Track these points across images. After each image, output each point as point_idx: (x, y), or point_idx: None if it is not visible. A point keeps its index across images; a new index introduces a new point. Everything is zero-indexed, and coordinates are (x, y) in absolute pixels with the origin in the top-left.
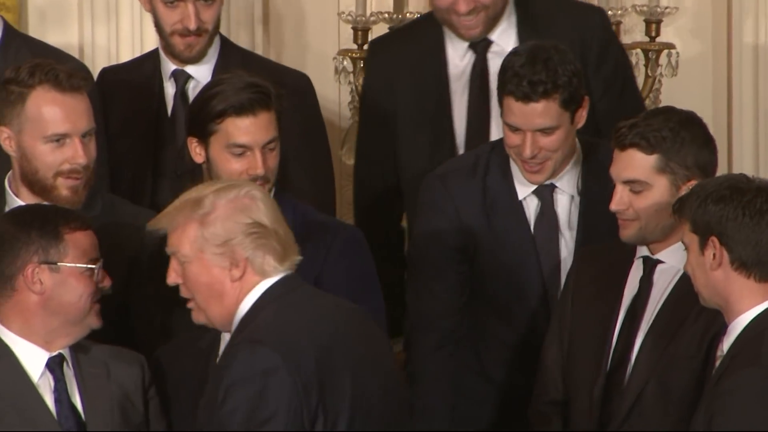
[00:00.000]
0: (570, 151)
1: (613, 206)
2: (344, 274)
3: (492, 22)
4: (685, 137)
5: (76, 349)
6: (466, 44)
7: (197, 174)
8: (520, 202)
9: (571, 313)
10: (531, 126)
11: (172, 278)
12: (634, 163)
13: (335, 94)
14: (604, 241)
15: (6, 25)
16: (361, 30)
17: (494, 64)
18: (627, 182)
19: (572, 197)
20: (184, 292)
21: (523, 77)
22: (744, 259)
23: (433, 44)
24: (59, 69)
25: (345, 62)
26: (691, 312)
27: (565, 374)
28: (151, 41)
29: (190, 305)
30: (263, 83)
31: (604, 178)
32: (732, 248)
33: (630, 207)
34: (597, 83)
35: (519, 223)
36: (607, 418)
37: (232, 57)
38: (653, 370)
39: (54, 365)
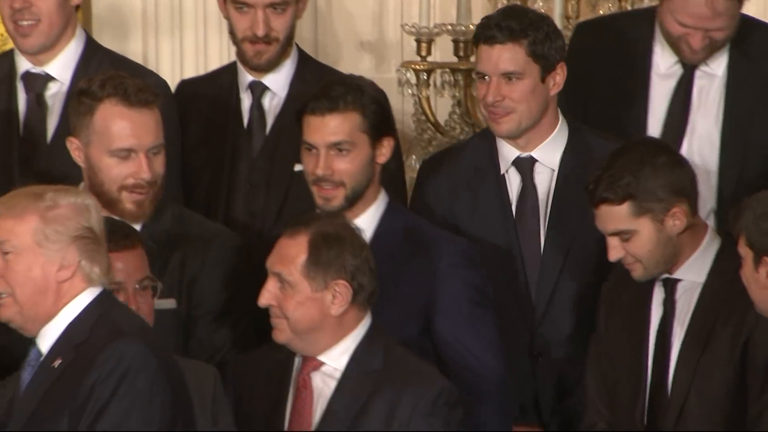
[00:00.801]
0: (545, 117)
1: (612, 258)
2: (454, 288)
3: (715, 53)
4: (647, 173)
5: None
6: (675, 56)
7: (271, 185)
8: (503, 176)
9: (607, 344)
10: (495, 70)
11: None
12: (612, 217)
13: (399, 106)
14: (576, 217)
15: (88, 38)
16: (424, 42)
17: (699, 83)
18: (613, 234)
19: (553, 171)
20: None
21: (492, 20)
22: None
23: (642, 41)
24: (129, 83)
25: (408, 74)
26: (717, 321)
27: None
28: (215, 55)
29: (3, 301)
30: (340, 87)
31: (586, 157)
32: None
33: (627, 254)
34: None
35: (500, 198)
36: None
37: (308, 69)
38: (692, 382)
39: None
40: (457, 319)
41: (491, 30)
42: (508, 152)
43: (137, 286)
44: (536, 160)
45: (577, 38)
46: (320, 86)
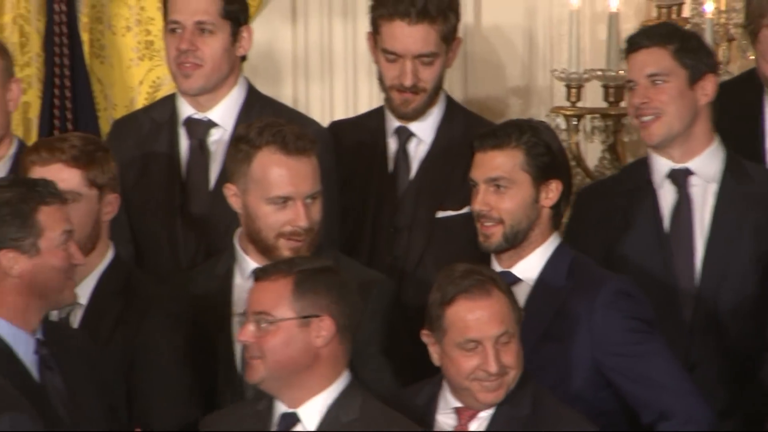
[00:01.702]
0: (697, 126)
1: None
2: (613, 325)
3: None
4: None
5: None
6: None
7: (414, 229)
8: (655, 191)
9: None
10: (641, 73)
11: None
12: None
13: None
14: (737, 230)
15: (250, 86)
16: (574, 88)
17: None
18: None
19: (707, 184)
20: None
21: (641, 29)
22: None
23: (752, 100)
24: (287, 130)
25: (558, 120)
26: None
27: None
28: (364, 100)
29: None
30: (511, 126)
31: (744, 177)
32: None
33: None
34: None
35: (653, 213)
36: None
37: (455, 117)
38: None
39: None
40: (629, 354)
41: (638, 37)
42: (662, 166)
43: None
44: (692, 173)
45: None
46: (495, 125)
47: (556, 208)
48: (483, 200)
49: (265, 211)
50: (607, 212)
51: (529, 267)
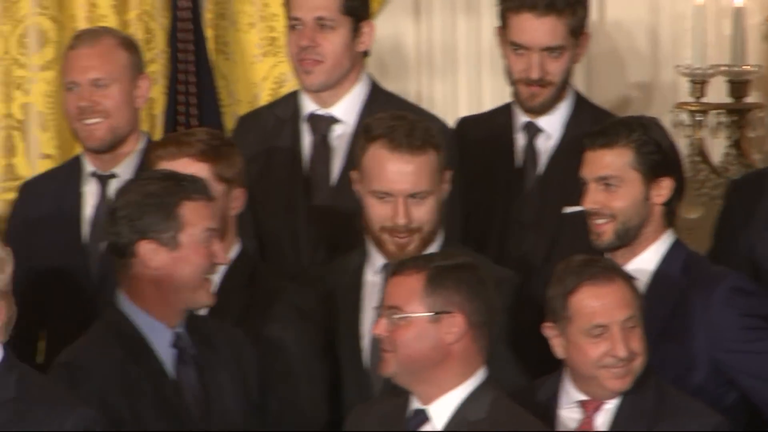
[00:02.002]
0: None
1: None
2: (729, 322)
3: None
4: None
5: None
6: None
7: (541, 226)
8: None
9: None
10: None
11: None
12: None
13: None
14: None
15: (373, 82)
16: (698, 83)
17: None
18: None
19: None
20: None
21: None
22: None
23: None
24: (401, 126)
25: (682, 115)
26: None
27: None
28: (488, 97)
29: None
30: (620, 124)
31: None
32: None
33: None
34: None
35: None
36: None
37: (584, 112)
38: None
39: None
40: (748, 351)
41: None
42: None
43: None
44: None
45: None
46: (605, 123)
47: (669, 205)
48: (593, 199)
49: (371, 203)
50: (755, 203)
51: (643, 264)
